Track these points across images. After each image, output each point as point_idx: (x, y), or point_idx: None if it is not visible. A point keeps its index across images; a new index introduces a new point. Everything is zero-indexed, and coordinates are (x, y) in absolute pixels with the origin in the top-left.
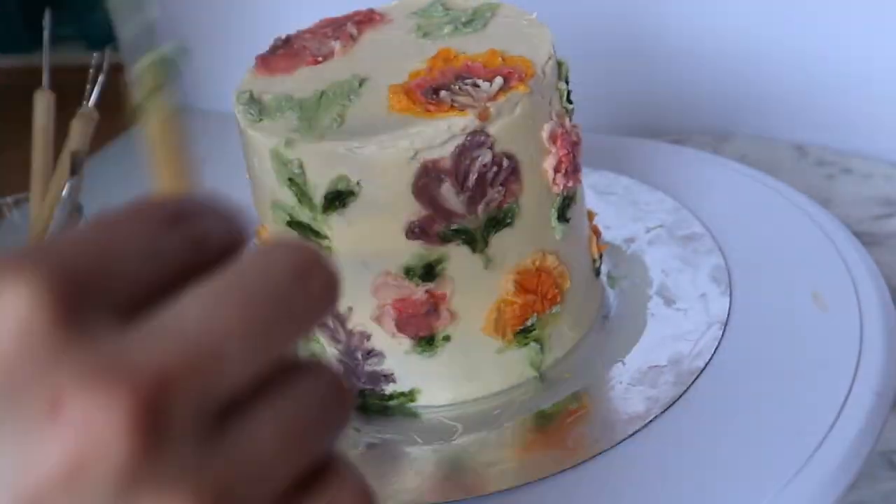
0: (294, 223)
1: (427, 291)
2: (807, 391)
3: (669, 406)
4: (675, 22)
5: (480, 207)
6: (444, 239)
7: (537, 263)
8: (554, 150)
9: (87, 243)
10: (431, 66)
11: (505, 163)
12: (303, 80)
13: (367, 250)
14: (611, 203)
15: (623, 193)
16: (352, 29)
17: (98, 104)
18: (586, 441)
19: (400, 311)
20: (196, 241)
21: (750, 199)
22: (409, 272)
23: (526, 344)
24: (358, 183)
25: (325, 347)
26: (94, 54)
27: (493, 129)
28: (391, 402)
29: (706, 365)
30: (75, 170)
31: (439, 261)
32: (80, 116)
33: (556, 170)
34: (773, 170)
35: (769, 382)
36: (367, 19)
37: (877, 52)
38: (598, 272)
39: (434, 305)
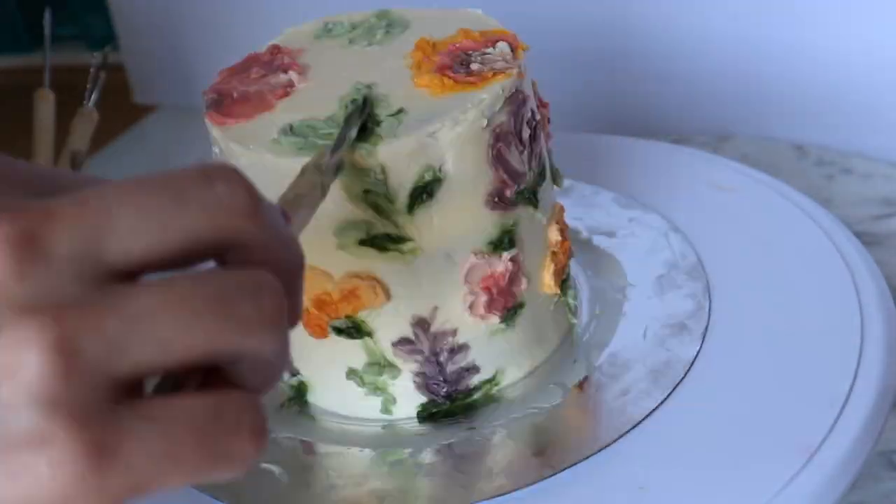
0: (371, 239)
1: (511, 259)
2: (807, 391)
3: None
4: (676, 22)
5: (534, 163)
6: (514, 203)
7: (558, 211)
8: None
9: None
10: (420, 57)
11: (538, 115)
12: (297, 109)
13: (453, 237)
14: None
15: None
16: (285, 59)
17: (98, 104)
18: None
19: (489, 290)
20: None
21: (750, 199)
22: (493, 245)
23: (566, 293)
24: (440, 168)
25: (399, 369)
26: (94, 54)
27: (524, 86)
28: (476, 395)
29: (703, 364)
30: (75, 170)
31: (514, 225)
32: (80, 116)
33: (549, 121)
34: (773, 170)
35: (769, 382)
36: (275, 53)
37: (877, 51)
38: None
39: (515, 273)
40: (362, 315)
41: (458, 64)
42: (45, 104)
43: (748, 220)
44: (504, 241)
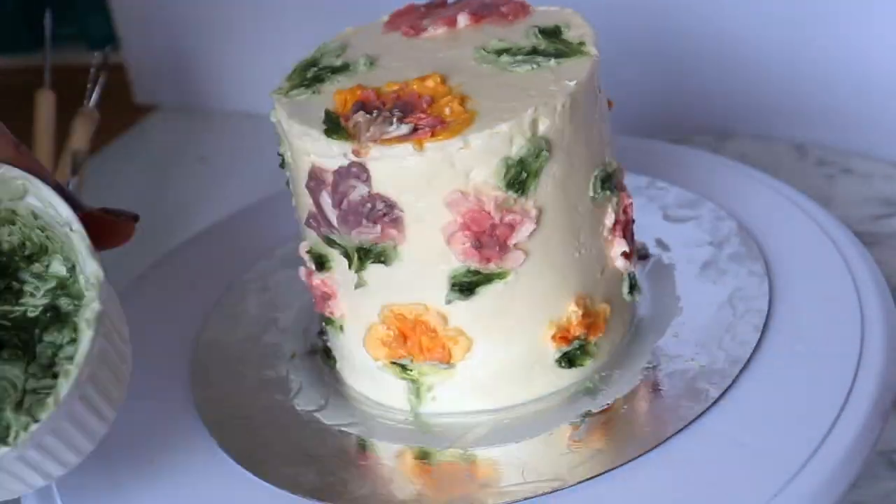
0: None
1: (321, 280)
2: (807, 391)
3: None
4: (675, 22)
5: (354, 232)
6: (328, 242)
7: (415, 314)
8: (455, 218)
9: None
10: (411, 83)
11: (380, 205)
12: (370, 45)
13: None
14: None
15: None
16: (462, 17)
17: (98, 104)
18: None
19: (309, 285)
20: None
21: (750, 199)
22: (309, 252)
23: (402, 378)
24: (288, 155)
25: None
26: (95, 54)
27: (372, 169)
28: (329, 355)
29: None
30: (75, 170)
31: (328, 258)
32: (80, 116)
33: (454, 240)
34: (773, 170)
35: (768, 382)
36: (500, 13)
37: (877, 52)
38: (561, 363)
39: (326, 294)
40: None
41: (360, 103)
42: (45, 104)
43: (747, 220)
44: (315, 260)
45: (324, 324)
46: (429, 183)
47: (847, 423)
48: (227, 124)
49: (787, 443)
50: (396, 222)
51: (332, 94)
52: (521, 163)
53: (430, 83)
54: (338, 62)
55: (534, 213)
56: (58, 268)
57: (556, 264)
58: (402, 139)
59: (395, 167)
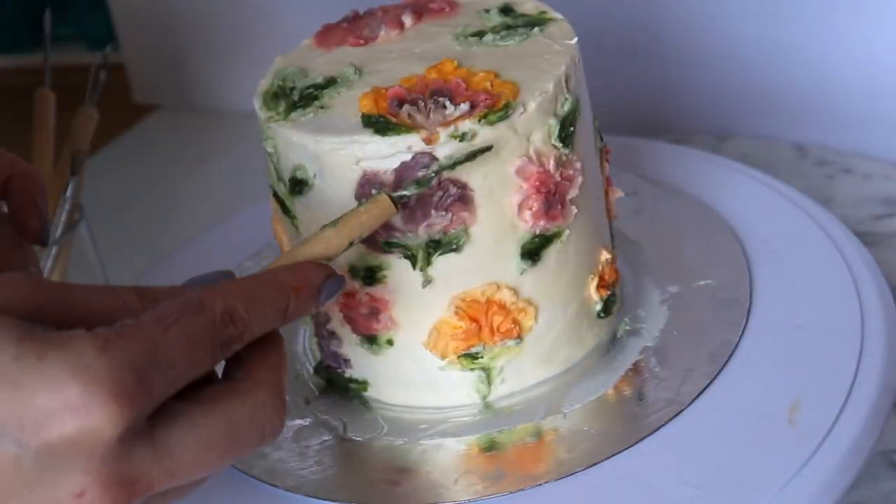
0: (275, 195)
1: (368, 294)
2: (807, 390)
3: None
4: (675, 22)
5: (422, 228)
6: (385, 249)
7: (487, 295)
8: (524, 185)
9: (157, 347)
10: (426, 74)
11: (452, 189)
12: (329, 61)
13: None
14: None
15: None
16: (406, 18)
17: (98, 104)
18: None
19: (345, 306)
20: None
21: (750, 199)
22: (352, 271)
23: (471, 369)
24: (314, 175)
25: (307, 321)
26: (94, 54)
27: (441, 154)
28: (351, 385)
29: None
30: (75, 170)
31: (380, 268)
32: (80, 116)
33: (525, 206)
34: (773, 170)
35: (769, 382)
36: (435, 9)
37: (877, 52)
38: (600, 314)
39: (375, 309)
40: None
41: (398, 99)
42: (45, 104)
43: (748, 220)
44: (363, 274)
45: (359, 346)
46: (497, 154)
47: (847, 423)
48: (227, 124)
49: (788, 443)
50: (468, 203)
51: (347, 103)
52: (567, 118)
53: (447, 68)
54: (318, 80)
55: (579, 165)
56: None
57: (592, 216)
58: (466, 116)
59: (466, 146)
